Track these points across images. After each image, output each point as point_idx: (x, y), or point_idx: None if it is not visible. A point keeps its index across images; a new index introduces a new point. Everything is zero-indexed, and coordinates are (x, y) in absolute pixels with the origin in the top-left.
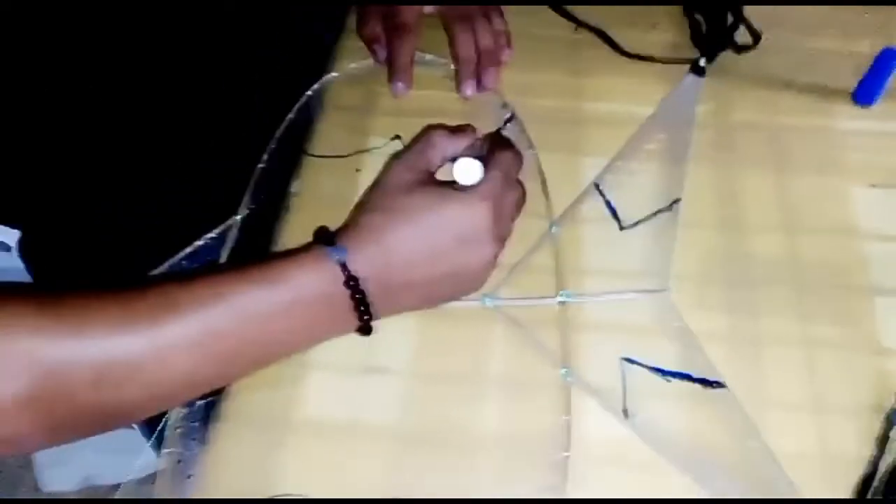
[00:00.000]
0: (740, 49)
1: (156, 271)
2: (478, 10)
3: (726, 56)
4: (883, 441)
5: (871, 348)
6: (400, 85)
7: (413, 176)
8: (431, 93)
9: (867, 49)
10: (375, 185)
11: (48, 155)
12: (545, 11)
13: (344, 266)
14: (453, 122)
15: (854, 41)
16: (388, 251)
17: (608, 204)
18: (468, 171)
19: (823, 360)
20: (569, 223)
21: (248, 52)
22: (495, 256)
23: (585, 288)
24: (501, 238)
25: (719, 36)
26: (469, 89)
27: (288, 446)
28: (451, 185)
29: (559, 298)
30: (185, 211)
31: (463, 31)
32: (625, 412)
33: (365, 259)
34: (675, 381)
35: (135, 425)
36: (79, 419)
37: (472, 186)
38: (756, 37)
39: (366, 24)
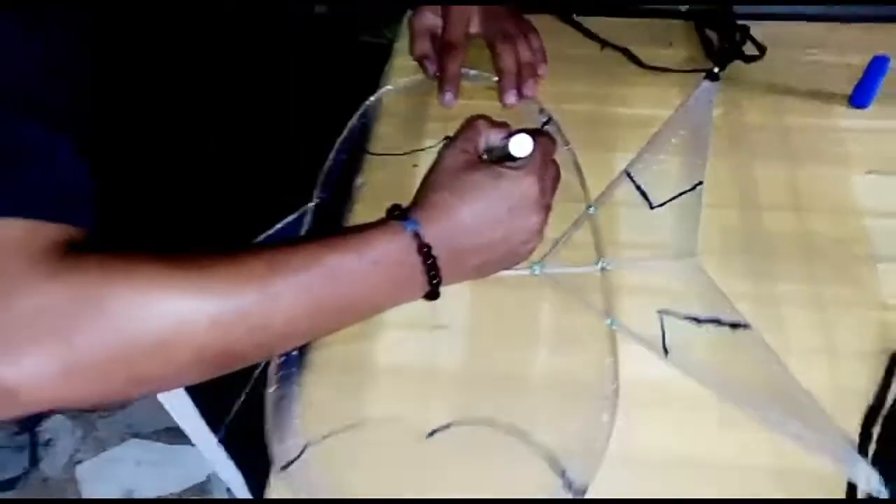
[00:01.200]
0: (749, 59)
1: None
2: (517, 29)
3: (736, 67)
4: (888, 377)
5: (875, 305)
6: (448, 95)
7: (466, 157)
8: (476, 102)
9: (859, 61)
10: (434, 168)
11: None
12: (575, 34)
13: (417, 235)
14: None
15: (848, 54)
16: (453, 222)
17: (638, 188)
18: (522, 144)
19: (834, 315)
20: (604, 205)
21: (317, 70)
22: (541, 225)
23: (622, 259)
24: (546, 208)
25: (730, 48)
26: (511, 98)
27: (368, 388)
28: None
29: (600, 265)
30: (265, 202)
31: (505, 48)
32: (665, 351)
33: (434, 230)
34: (707, 326)
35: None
36: (196, 364)
37: (520, 162)
38: (762, 50)
39: (418, 43)
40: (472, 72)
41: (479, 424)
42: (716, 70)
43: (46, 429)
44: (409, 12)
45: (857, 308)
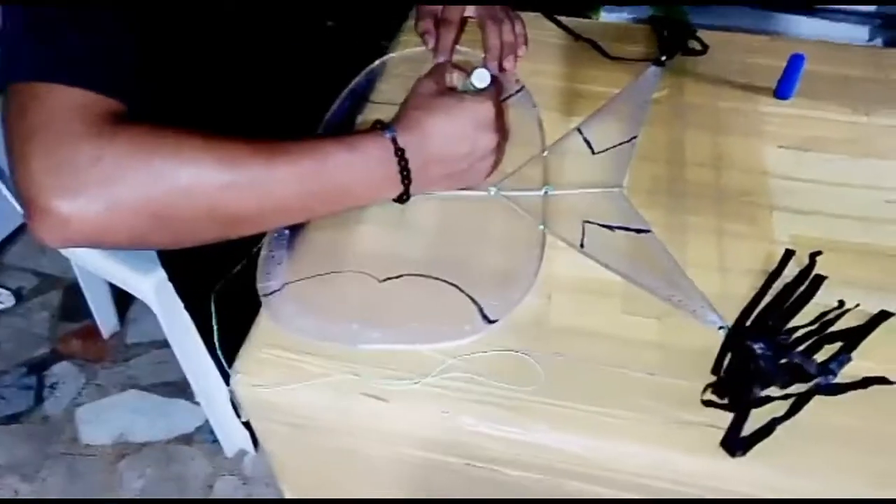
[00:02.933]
0: (691, 53)
1: None
2: (504, 16)
3: (684, 61)
4: (763, 287)
5: (765, 239)
6: (441, 60)
7: (437, 87)
8: None
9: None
10: (411, 94)
11: None
12: (554, 28)
13: (394, 140)
14: None
15: (781, 60)
16: (424, 135)
17: (585, 140)
18: (481, 76)
19: (730, 243)
20: (556, 153)
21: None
22: (498, 144)
23: (561, 186)
24: (501, 129)
25: (675, 42)
26: (493, 69)
27: (343, 264)
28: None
29: (544, 191)
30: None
31: (492, 29)
32: (581, 245)
33: (408, 138)
34: (618, 232)
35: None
36: (208, 218)
37: (481, 91)
38: (704, 47)
39: (422, 21)
40: (464, 49)
41: (423, 276)
42: (662, 58)
43: (53, 373)
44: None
45: (751, 240)
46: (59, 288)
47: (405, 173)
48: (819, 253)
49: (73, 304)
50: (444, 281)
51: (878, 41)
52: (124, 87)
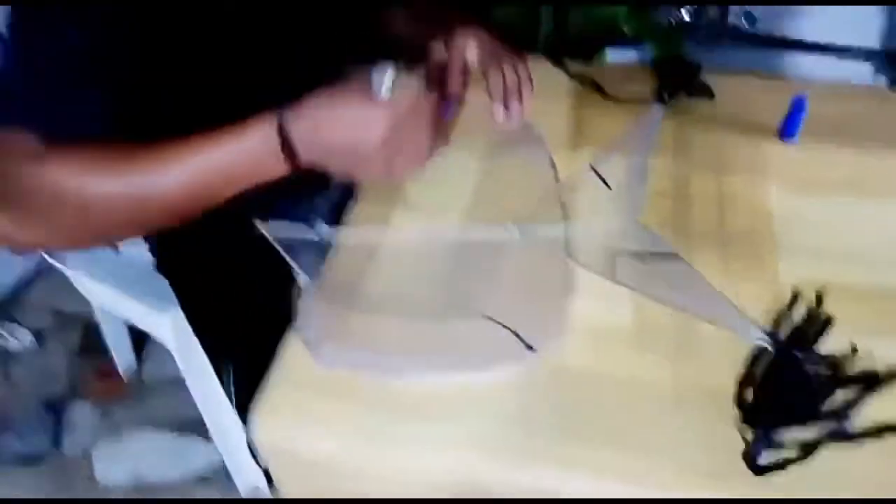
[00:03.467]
0: (694, 94)
1: None
2: (508, 59)
3: (688, 102)
4: (779, 317)
5: (772, 280)
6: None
7: (351, 83)
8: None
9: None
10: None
11: None
12: (561, 74)
13: (280, 117)
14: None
15: (784, 98)
16: (306, 115)
17: (599, 176)
18: (380, 71)
19: (738, 285)
20: (571, 189)
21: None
22: (384, 156)
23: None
24: (395, 147)
25: (680, 83)
26: (499, 114)
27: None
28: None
29: (565, 225)
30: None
31: (495, 71)
32: (612, 275)
33: (294, 118)
34: (648, 259)
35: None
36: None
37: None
38: (708, 89)
39: (430, 72)
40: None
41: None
42: (665, 96)
43: (71, 412)
44: None
45: (757, 282)
46: (78, 326)
47: (289, 149)
48: (823, 294)
49: (92, 342)
50: (482, 316)
51: (882, 78)
52: (60, 124)
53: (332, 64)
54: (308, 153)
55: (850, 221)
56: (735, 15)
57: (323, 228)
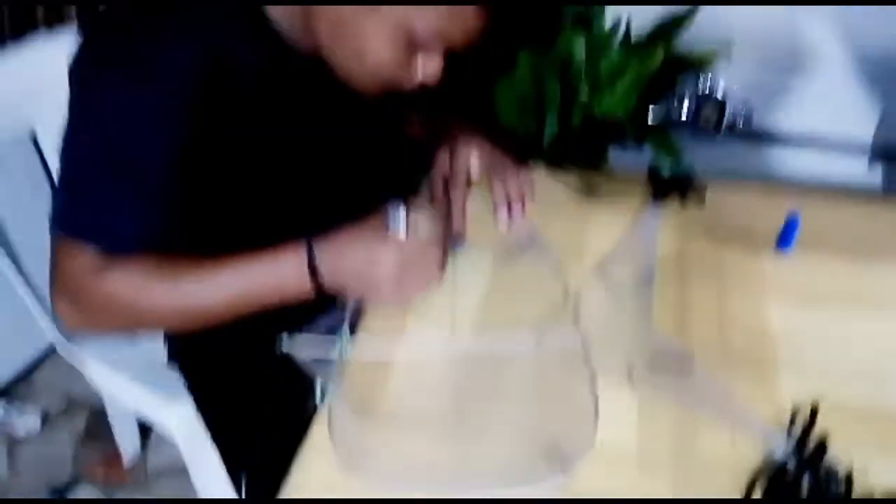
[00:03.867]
0: (686, 198)
1: None
2: (511, 170)
3: (686, 214)
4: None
5: (773, 398)
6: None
7: (371, 222)
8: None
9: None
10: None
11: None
12: (560, 179)
13: (310, 244)
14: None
15: (779, 208)
16: (330, 248)
17: (605, 281)
18: (396, 218)
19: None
20: (580, 297)
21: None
22: (394, 286)
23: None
24: (403, 278)
25: (674, 187)
26: (503, 223)
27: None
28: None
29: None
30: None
31: (497, 182)
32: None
33: (320, 249)
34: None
35: None
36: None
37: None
38: (702, 201)
39: (434, 186)
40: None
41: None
42: (659, 196)
43: (76, 493)
44: None
45: (757, 402)
46: (85, 411)
47: (314, 271)
48: (816, 411)
49: (98, 427)
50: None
51: (878, 174)
52: (120, 243)
53: (361, 202)
54: (330, 279)
55: (847, 336)
56: (731, 114)
57: (346, 336)
